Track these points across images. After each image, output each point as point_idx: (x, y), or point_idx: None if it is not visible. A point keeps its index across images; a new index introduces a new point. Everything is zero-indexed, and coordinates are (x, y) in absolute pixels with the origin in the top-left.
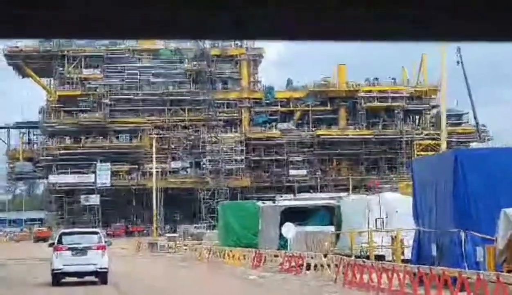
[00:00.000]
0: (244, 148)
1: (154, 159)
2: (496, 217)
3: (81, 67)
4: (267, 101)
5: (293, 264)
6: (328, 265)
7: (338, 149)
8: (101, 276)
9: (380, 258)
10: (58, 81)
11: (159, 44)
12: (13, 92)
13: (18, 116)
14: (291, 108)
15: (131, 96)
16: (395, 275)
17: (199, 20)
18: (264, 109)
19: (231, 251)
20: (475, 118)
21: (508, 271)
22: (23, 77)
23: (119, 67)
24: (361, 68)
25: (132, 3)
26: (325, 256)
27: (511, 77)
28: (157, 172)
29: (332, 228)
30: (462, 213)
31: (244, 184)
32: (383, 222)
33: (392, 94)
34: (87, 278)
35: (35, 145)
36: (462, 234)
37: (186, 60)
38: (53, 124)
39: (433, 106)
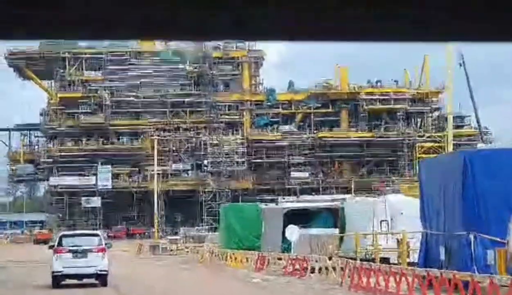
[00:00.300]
0: (245, 150)
1: (155, 161)
2: (507, 219)
3: (82, 69)
4: (269, 103)
5: (297, 267)
6: (333, 268)
7: (339, 151)
8: (101, 278)
9: (384, 260)
10: (59, 83)
11: (160, 46)
12: (14, 94)
13: (19, 118)
14: (293, 111)
15: (132, 99)
16: (403, 278)
17: (199, 20)
18: (266, 112)
19: (233, 253)
20: (477, 120)
21: None
22: (24, 79)
23: (120, 70)
24: (363, 70)
25: (132, 3)
26: (330, 259)
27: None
28: (158, 174)
29: (336, 231)
30: (471, 215)
31: (246, 186)
32: (388, 224)
33: (394, 97)
34: (87, 280)
35: (36, 148)
36: (471, 237)
37: (188, 62)
38: (54, 127)
39: (435, 109)
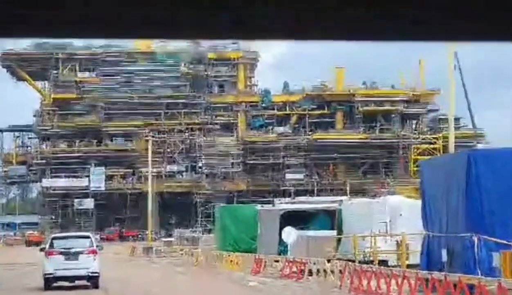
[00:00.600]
0: (240, 152)
1: (149, 163)
2: None
3: (76, 70)
4: (264, 104)
5: (294, 269)
6: (332, 271)
7: (335, 152)
8: (93, 280)
9: (383, 263)
10: (53, 84)
11: (155, 47)
12: (7, 95)
13: (12, 119)
14: (288, 112)
15: (127, 100)
16: (405, 281)
17: (199, 20)
18: (261, 113)
19: (229, 255)
20: (472, 122)
21: None
22: (18, 80)
23: (114, 70)
24: (358, 71)
25: (132, 3)
26: (328, 261)
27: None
28: (152, 175)
29: (333, 232)
30: (475, 216)
31: (240, 188)
32: (386, 226)
33: (389, 98)
34: (78, 282)
35: (29, 149)
36: (475, 239)
37: (183, 63)
38: (48, 128)
39: (430, 110)
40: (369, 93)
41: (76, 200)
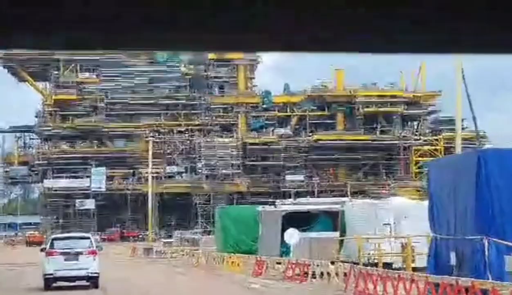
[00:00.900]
0: (240, 153)
1: (150, 164)
2: None
3: (77, 71)
4: (264, 106)
5: (297, 272)
6: (336, 274)
7: (335, 154)
8: (92, 281)
9: (387, 265)
10: (54, 85)
11: None
12: (9, 96)
13: (14, 120)
14: (288, 113)
15: (127, 100)
16: (413, 285)
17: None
18: (261, 114)
19: (230, 257)
20: (475, 124)
21: None
22: (19, 81)
23: (115, 71)
24: (359, 73)
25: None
26: (332, 263)
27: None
28: (152, 176)
29: (336, 234)
30: (485, 218)
31: (240, 189)
32: (391, 228)
33: (390, 100)
34: (78, 283)
35: (30, 150)
36: (485, 242)
37: (183, 64)
38: (49, 129)
39: (431, 112)
40: (369, 94)
41: (77, 201)
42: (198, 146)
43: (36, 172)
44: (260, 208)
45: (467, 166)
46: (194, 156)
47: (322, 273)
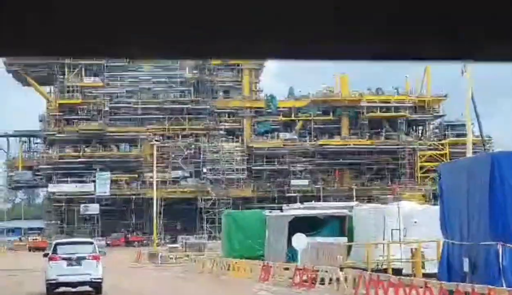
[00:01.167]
0: (245, 158)
1: (154, 168)
2: None
3: (81, 75)
4: (269, 110)
5: (305, 277)
6: (345, 279)
7: (340, 158)
8: (95, 286)
9: (397, 272)
10: (58, 89)
11: None
12: (13, 100)
13: (18, 124)
14: (293, 118)
15: (131, 105)
16: (427, 292)
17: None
18: (266, 119)
19: (235, 262)
20: (480, 129)
21: None
22: (24, 85)
23: (119, 76)
24: (364, 77)
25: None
26: (341, 269)
27: None
28: (157, 181)
29: (344, 239)
30: (499, 223)
31: (246, 194)
32: (400, 233)
33: (395, 104)
34: (81, 288)
35: (34, 154)
36: (500, 247)
37: (187, 68)
38: (53, 133)
39: (436, 117)
40: (374, 99)
41: (81, 205)
42: (203, 151)
43: (40, 177)
44: (267, 212)
45: (480, 169)
46: (199, 160)
47: (330, 279)
